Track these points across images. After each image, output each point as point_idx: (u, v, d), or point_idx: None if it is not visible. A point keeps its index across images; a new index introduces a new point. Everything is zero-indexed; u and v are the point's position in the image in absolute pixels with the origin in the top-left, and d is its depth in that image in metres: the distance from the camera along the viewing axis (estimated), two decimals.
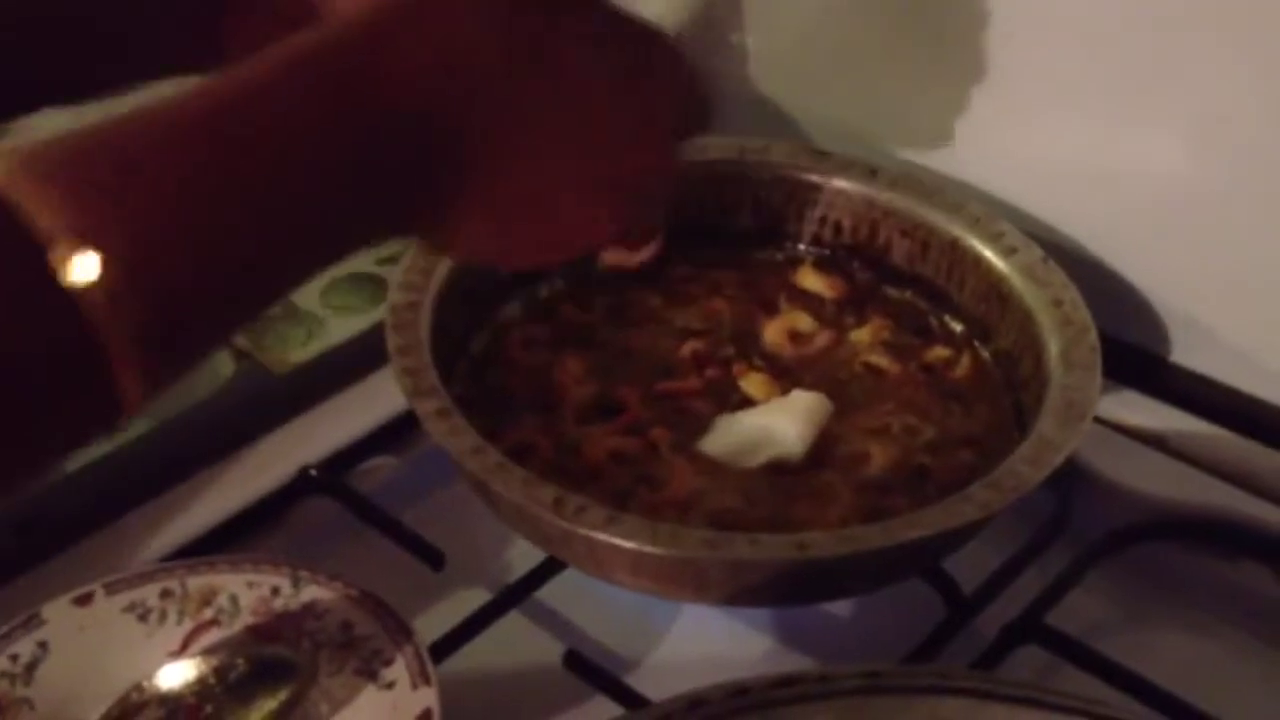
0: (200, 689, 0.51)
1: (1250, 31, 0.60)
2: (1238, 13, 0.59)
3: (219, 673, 0.51)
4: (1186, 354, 0.67)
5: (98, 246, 0.30)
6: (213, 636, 0.53)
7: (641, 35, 0.44)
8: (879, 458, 0.60)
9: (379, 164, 0.36)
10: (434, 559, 0.59)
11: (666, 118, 0.44)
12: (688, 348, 0.65)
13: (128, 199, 0.31)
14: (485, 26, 0.38)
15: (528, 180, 0.40)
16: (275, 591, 0.54)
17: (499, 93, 0.38)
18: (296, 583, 0.54)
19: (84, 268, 0.30)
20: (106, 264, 0.30)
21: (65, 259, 0.30)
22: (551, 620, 0.60)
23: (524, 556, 0.59)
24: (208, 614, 0.54)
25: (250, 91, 0.34)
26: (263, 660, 0.51)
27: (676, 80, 0.45)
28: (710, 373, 0.64)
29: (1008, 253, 0.64)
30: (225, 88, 0.34)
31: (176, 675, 0.52)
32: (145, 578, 0.55)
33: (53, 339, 0.30)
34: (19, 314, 0.30)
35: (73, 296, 0.30)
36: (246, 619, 0.53)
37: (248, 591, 0.54)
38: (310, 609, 0.53)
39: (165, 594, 0.54)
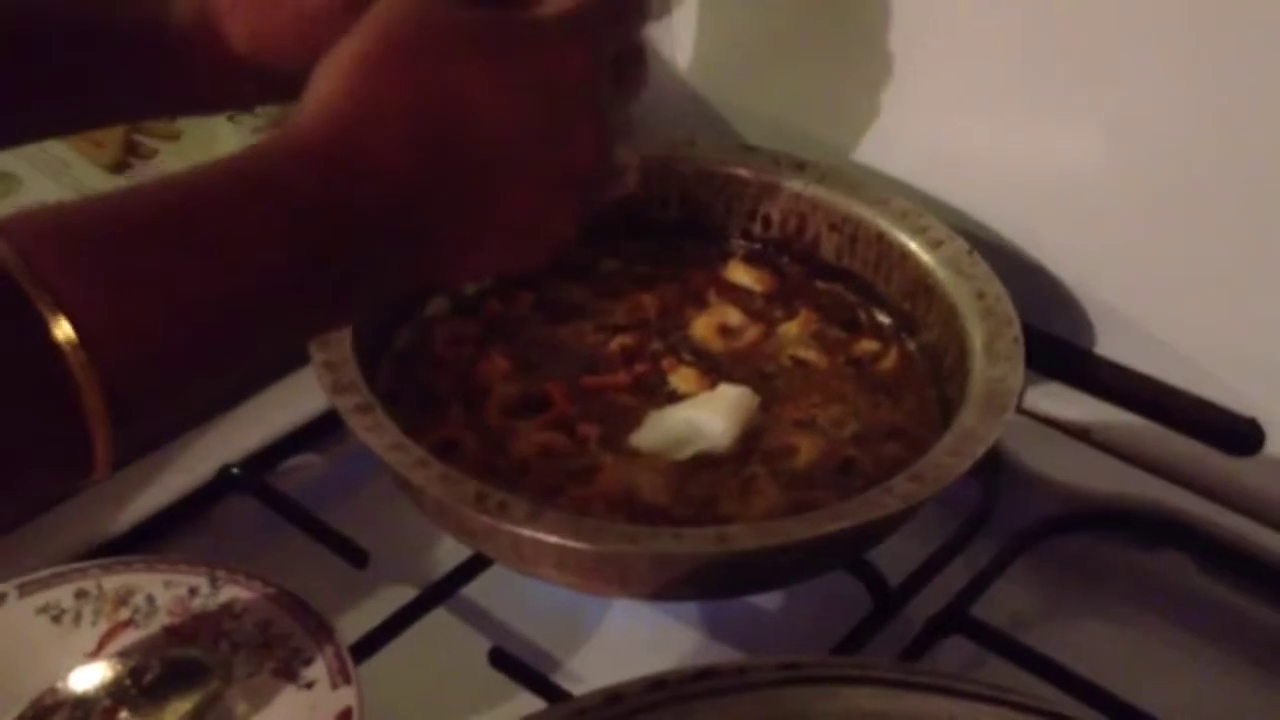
0: (115, 691, 0.50)
1: (1170, 28, 0.60)
2: (1160, 10, 0.60)
3: (134, 674, 0.50)
4: (1109, 345, 0.68)
5: (76, 316, 0.34)
6: (129, 638, 0.52)
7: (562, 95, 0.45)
8: (806, 451, 0.60)
9: (339, 260, 0.40)
10: (357, 557, 0.58)
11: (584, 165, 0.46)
12: (616, 343, 0.65)
13: (105, 278, 0.35)
14: (432, 107, 0.42)
15: (471, 229, 0.44)
16: (193, 591, 0.53)
17: (452, 161, 0.42)
18: (214, 582, 0.53)
19: (65, 332, 0.34)
20: (85, 331, 0.34)
21: (53, 324, 0.34)
22: (478, 617, 0.59)
23: (450, 553, 0.59)
24: (124, 615, 0.53)
25: (212, 195, 0.38)
26: (177, 662, 0.50)
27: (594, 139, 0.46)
28: (639, 367, 0.64)
29: (934, 246, 0.65)
30: (195, 185, 0.38)
31: (91, 677, 0.51)
32: (60, 578, 0.54)
33: (39, 397, 0.34)
34: (12, 371, 0.34)
35: (59, 359, 0.34)
36: (163, 619, 0.53)
37: (165, 592, 0.53)
38: (228, 609, 0.52)
39: (80, 595, 0.53)
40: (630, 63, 0.49)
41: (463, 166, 0.42)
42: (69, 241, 0.35)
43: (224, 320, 0.38)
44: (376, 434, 0.53)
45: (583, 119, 0.45)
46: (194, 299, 0.36)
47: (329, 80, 0.42)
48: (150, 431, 0.38)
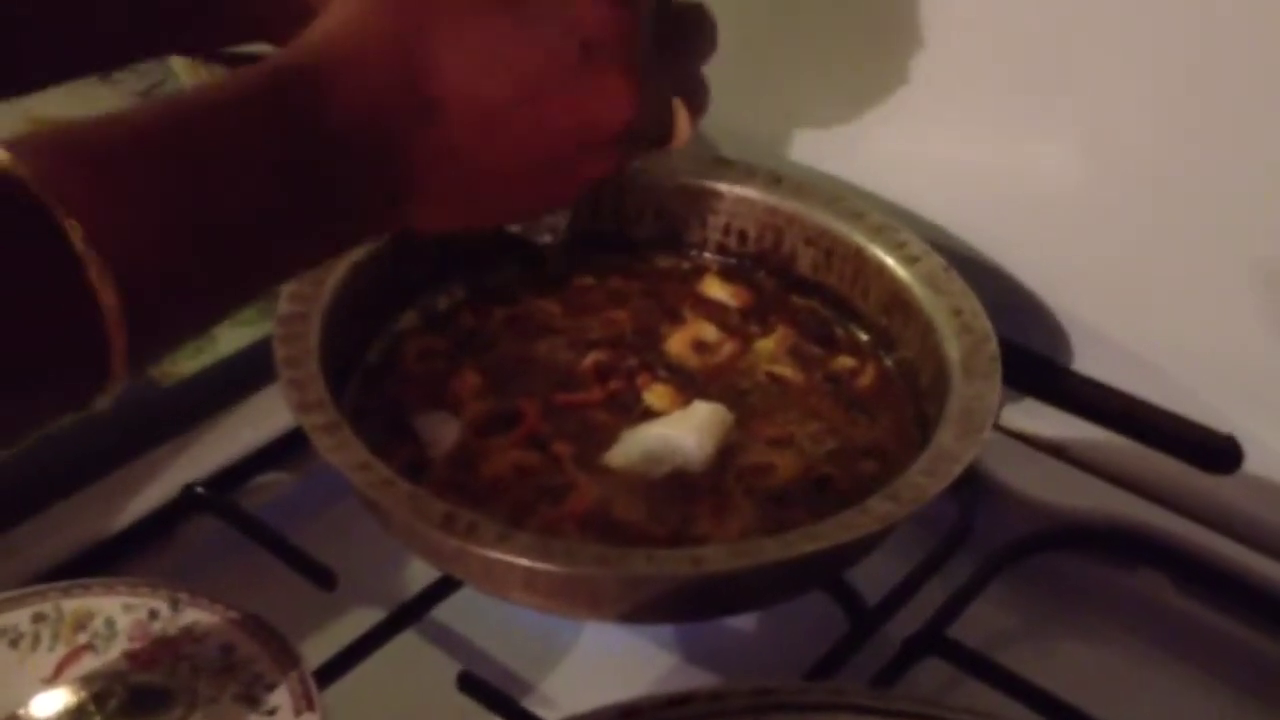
0: (78, 717, 0.49)
1: (1145, 42, 0.60)
2: (1133, 24, 0.60)
3: (97, 701, 0.49)
4: (1086, 362, 0.67)
5: (88, 221, 0.35)
6: (88, 663, 0.51)
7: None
8: (782, 469, 0.59)
9: (335, 177, 0.40)
10: (325, 579, 0.57)
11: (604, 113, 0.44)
12: (590, 359, 0.64)
13: (112, 187, 0.36)
14: (437, 41, 0.41)
15: (480, 172, 0.43)
16: (153, 615, 0.52)
17: (449, 102, 0.41)
18: (175, 605, 0.52)
19: (79, 236, 0.35)
20: (96, 236, 0.35)
21: (69, 230, 0.35)
22: (448, 640, 0.58)
23: (420, 574, 0.58)
24: (82, 639, 0.52)
25: (214, 110, 0.39)
26: (141, 688, 0.49)
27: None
28: (613, 384, 0.63)
29: (910, 261, 0.64)
30: (195, 105, 0.39)
31: (53, 703, 0.50)
32: (17, 601, 0.53)
33: (58, 301, 0.35)
34: (30, 275, 0.35)
35: (75, 263, 0.34)
36: (123, 644, 0.51)
37: (124, 615, 0.52)
38: (189, 633, 0.51)
39: (38, 618, 0.52)
40: (686, 14, 0.47)
41: (465, 108, 0.41)
42: (78, 154, 0.36)
43: (224, 232, 0.38)
44: (342, 453, 0.52)
45: (613, 75, 0.43)
46: (195, 210, 0.38)
47: (337, 5, 0.42)
48: (162, 344, 0.40)
